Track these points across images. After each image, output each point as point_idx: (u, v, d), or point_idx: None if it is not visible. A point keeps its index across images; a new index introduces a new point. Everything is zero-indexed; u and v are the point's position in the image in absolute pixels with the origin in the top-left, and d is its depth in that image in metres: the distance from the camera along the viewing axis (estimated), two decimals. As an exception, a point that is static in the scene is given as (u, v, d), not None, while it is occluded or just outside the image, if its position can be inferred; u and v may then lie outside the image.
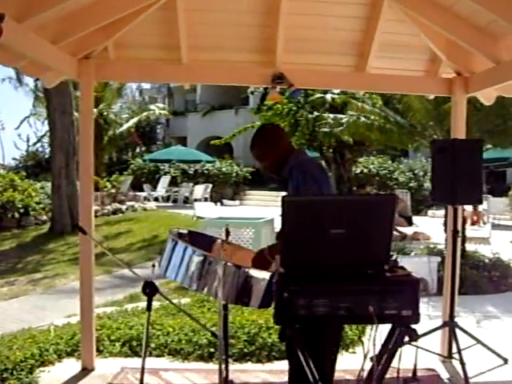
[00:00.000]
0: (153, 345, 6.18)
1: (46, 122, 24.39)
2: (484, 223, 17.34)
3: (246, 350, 5.95)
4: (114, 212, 22.57)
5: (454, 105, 5.92)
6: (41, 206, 21.06)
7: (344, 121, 15.00)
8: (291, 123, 17.76)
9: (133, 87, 46.55)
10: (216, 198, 27.87)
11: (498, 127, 10.67)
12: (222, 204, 26.46)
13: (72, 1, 4.57)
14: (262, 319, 6.28)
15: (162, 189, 29.37)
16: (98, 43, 5.42)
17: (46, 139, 34.64)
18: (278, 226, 3.25)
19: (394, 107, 13.65)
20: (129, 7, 4.97)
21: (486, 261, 10.47)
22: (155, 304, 7.79)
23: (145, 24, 5.30)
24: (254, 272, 3.53)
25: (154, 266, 3.80)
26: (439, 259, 9.09)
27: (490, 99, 5.97)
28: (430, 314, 7.76)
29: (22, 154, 39.91)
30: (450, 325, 5.45)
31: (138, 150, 39.53)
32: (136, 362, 5.77)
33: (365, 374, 3.06)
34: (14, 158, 39.98)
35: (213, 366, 5.65)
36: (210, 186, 28.55)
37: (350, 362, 5.44)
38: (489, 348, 5.42)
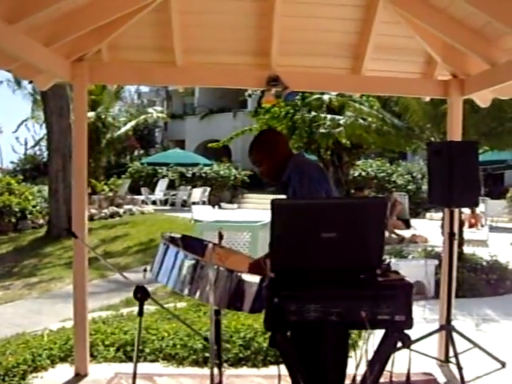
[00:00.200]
0: (147, 350, 6.13)
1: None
2: (482, 226, 17.30)
3: (241, 355, 5.90)
4: (112, 215, 22.52)
5: (449, 107, 5.89)
6: (38, 209, 21.01)
7: (342, 122, 14.97)
8: (288, 126, 17.71)
9: (131, 90, 46.57)
10: (214, 201, 27.80)
11: (494, 130, 10.63)
12: (219, 207, 26.40)
13: (65, 2, 4.52)
14: (257, 324, 6.23)
15: (159, 192, 29.32)
16: (91, 45, 5.37)
17: (43, 142, 34.55)
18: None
19: (391, 110, 13.62)
20: (122, 9, 4.93)
21: (484, 263, 10.44)
22: (151, 308, 7.74)
23: (139, 26, 5.26)
24: (246, 276, 3.49)
25: (145, 270, 3.75)
26: (436, 262, 9.04)
27: (485, 101, 5.94)
28: (426, 317, 7.73)
29: (19, 158, 39.91)
30: (447, 328, 5.41)
31: (136, 153, 39.46)
32: (130, 367, 5.63)
33: (359, 378, 3.02)
34: (12, 162, 39.98)
35: (207, 371, 5.52)
36: (208, 189, 28.50)
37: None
38: (486, 352, 5.38)
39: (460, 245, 10.48)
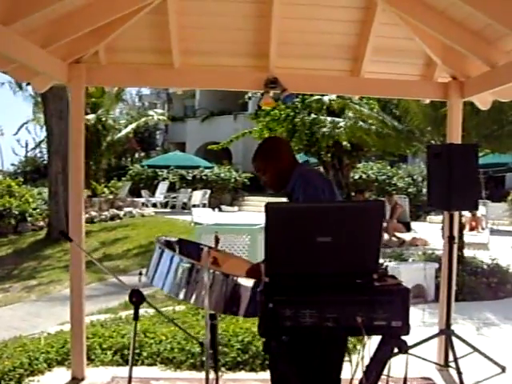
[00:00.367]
0: (145, 353, 6.10)
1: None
2: (483, 228, 17.26)
3: (239, 359, 5.86)
4: (112, 218, 22.49)
5: (449, 109, 5.85)
6: (38, 211, 20.98)
7: (342, 124, 14.94)
8: (289, 128, 17.69)
9: (132, 93, 46.60)
10: (214, 203, 27.76)
11: (495, 132, 10.60)
12: (220, 210, 26.36)
13: (61, 4, 4.49)
14: (255, 327, 6.16)
15: (160, 195, 29.30)
16: (88, 47, 5.34)
17: (44, 145, 34.55)
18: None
19: (391, 112, 13.59)
20: (120, 11, 4.90)
21: (485, 267, 10.39)
22: (150, 311, 7.72)
23: (136, 28, 5.23)
24: (242, 280, 3.45)
25: (140, 273, 3.71)
26: (437, 265, 8.99)
27: (486, 104, 5.90)
28: (426, 321, 7.70)
29: (20, 160, 39.94)
30: (447, 333, 5.37)
31: (136, 155, 39.46)
32: (127, 370, 5.67)
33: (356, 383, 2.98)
34: (13, 164, 40.01)
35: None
36: (209, 191, 28.46)
37: (344, 371, 5.35)
38: (486, 356, 5.35)
39: (460, 248, 10.44)
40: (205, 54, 5.64)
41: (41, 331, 7.15)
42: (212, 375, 3.68)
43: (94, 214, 22.14)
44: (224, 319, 6.21)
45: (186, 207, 27.13)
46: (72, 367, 5.62)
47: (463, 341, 5.39)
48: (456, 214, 5.67)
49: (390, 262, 10.66)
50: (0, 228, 19.72)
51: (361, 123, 13.57)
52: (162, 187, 29.75)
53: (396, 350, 2.81)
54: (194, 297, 3.43)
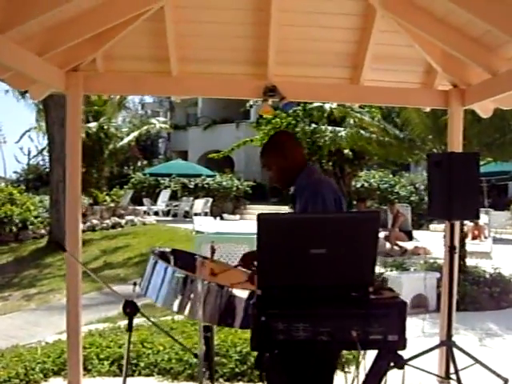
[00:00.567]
0: (142, 364, 6.05)
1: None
2: (485, 237, 17.17)
3: (237, 370, 5.80)
4: (113, 226, 22.47)
5: (450, 117, 5.80)
6: (39, 219, 20.96)
7: (343, 133, 14.91)
8: (290, 137, 17.64)
9: (135, 101, 46.67)
10: (216, 212, 27.70)
11: (497, 140, 10.54)
12: (221, 218, 26.28)
13: (57, 11, 4.44)
14: (254, 338, 6.11)
15: (162, 203, 29.25)
16: (86, 55, 5.30)
17: (46, 153, 34.56)
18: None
19: (392, 120, 13.55)
20: (117, 18, 4.85)
21: (487, 276, 10.31)
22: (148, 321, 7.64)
23: (134, 36, 5.18)
24: (237, 292, 3.38)
25: (135, 284, 3.64)
26: (438, 275, 8.92)
27: (487, 112, 5.84)
28: (426, 331, 7.63)
29: (22, 168, 39.95)
30: (447, 344, 5.29)
31: (139, 163, 39.45)
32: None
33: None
34: (15, 172, 40.01)
35: (203, 386, 5.49)
36: (211, 200, 28.40)
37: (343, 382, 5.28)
38: (488, 368, 5.26)
39: (463, 257, 10.37)
40: (203, 62, 5.60)
41: (38, 341, 7.10)
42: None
43: (95, 222, 22.12)
44: (222, 329, 6.14)
45: (187, 216, 27.07)
46: (68, 378, 5.55)
47: (464, 352, 5.31)
48: (457, 223, 5.61)
49: (391, 271, 10.60)
50: (1, 236, 19.73)
51: (362, 132, 13.53)
52: (164, 195, 29.71)
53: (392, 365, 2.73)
54: (187, 308, 3.37)
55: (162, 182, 31.84)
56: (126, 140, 29.26)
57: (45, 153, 36.16)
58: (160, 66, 5.54)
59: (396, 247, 16.21)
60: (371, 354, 2.79)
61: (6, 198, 20.65)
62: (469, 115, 7.79)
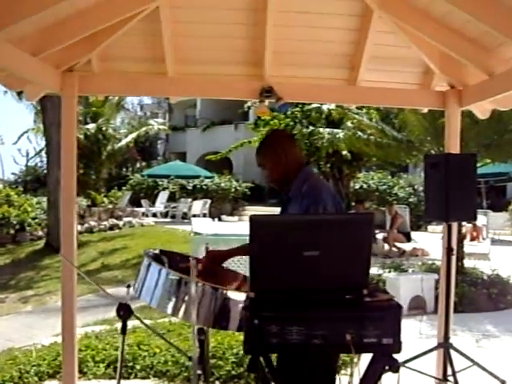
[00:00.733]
0: (138, 366, 6.04)
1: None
2: (483, 239, 17.15)
3: (233, 372, 5.78)
4: (111, 228, 22.44)
5: (447, 118, 5.76)
6: (37, 221, 20.92)
7: (341, 135, 14.88)
8: (288, 138, 17.60)
9: (134, 102, 46.64)
10: (215, 213, 27.67)
11: (494, 141, 10.52)
12: (220, 220, 26.25)
13: (51, 11, 4.40)
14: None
15: (160, 204, 29.23)
16: (81, 55, 5.25)
17: (44, 154, 34.52)
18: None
19: (391, 122, 13.53)
20: (112, 18, 4.80)
21: (485, 277, 10.31)
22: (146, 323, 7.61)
23: (129, 36, 5.14)
24: (232, 294, 3.34)
25: (129, 286, 3.60)
26: (436, 276, 8.90)
27: (485, 113, 5.80)
28: (426, 333, 7.61)
29: (21, 169, 39.91)
30: (445, 346, 5.26)
31: (138, 165, 39.43)
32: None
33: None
34: (13, 173, 39.97)
35: (199, 389, 5.46)
36: (209, 201, 28.38)
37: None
38: (486, 369, 5.24)
39: (460, 258, 10.36)
40: (199, 63, 5.55)
41: (33, 343, 7.06)
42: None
43: (93, 223, 22.09)
44: (219, 332, 6.11)
45: (186, 217, 27.04)
46: (63, 381, 5.50)
47: (462, 354, 5.28)
48: (455, 224, 5.57)
49: (389, 272, 10.58)
50: (-2, 237, 19.70)
51: (360, 133, 13.51)
52: (163, 197, 29.70)
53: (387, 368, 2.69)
54: (182, 311, 3.33)
55: (161, 183, 31.82)
56: (124, 141, 29.25)
57: (43, 154, 36.15)
58: (156, 66, 5.50)
59: (394, 248, 16.21)
60: (366, 358, 2.76)
61: (4, 199, 20.61)
62: (466, 118, 7.77)
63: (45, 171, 33.86)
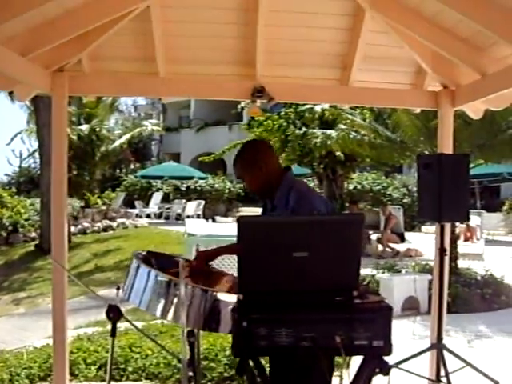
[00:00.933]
0: (130, 368, 6.00)
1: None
2: (477, 239, 17.15)
3: (226, 374, 5.74)
4: (105, 229, 22.38)
5: (440, 119, 5.73)
6: (30, 222, 20.85)
7: (334, 135, 14.86)
8: (282, 139, 17.61)
9: (128, 103, 46.58)
10: (209, 214, 27.60)
11: (487, 142, 10.51)
12: (214, 221, 26.18)
13: (40, 10, 4.36)
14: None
15: (154, 205, 29.17)
16: (71, 55, 5.19)
17: (38, 155, 34.40)
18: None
19: (384, 122, 13.51)
20: (101, 17, 4.75)
21: (479, 278, 10.31)
22: (138, 325, 7.57)
23: (120, 36, 5.09)
24: (222, 295, 3.31)
25: (118, 288, 3.57)
26: (429, 277, 8.89)
27: (477, 113, 5.78)
28: (416, 334, 7.59)
29: (14, 171, 39.80)
30: (438, 347, 5.23)
31: (132, 166, 39.37)
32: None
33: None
34: (7, 174, 39.85)
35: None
36: (203, 202, 28.33)
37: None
38: (479, 370, 5.21)
39: (454, 259, 10.35)
40: (190, 63, 5.51)
41: (24, 346, 7.00)
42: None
43: (86, 225, 22.04)
44: (211, 334, 6.07)
45: (180, 218, 26.97)
46: (54, 383, 5.47)
47: (455, 355, 5.26)
48: (447, 225, 5.55)
49: (383, 273, 10.57)
50: (-9, 239, 19.64)
51: (353, 134, 13.49)
52: (156, 198, 29.65)
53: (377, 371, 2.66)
54: (171, 313, 3.29)
55: (155, 184, 31.78)
56: (118, 142, 29.18)
57: (36, 155, 36.05)
58: (147, 66, 5.45)
59: (388, 249, 16.21)
60: (357, 360, 2.74)
61: (-4, 201, 20.59)
62: (459, 119, 7.76)
63: (38, 172, 33.86)
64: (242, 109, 23.70)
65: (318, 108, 16.53)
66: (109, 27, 4.90)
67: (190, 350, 3.39)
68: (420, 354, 5.43)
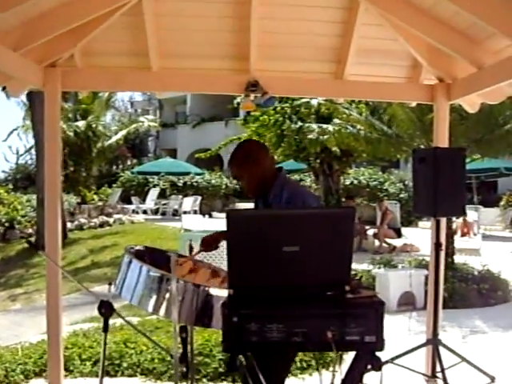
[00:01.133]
0: (125, 364, 5.98)
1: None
2: (474, 234, 17.12)
3: (221, 370, 5.71)
4: (101, 225, 22.34)
5: (436, 112, 5.70)
6: (26, 219, 20.81)
7: (330, 129, 14.83)
8: (278, 134, 17.55)
9: (124, 99, 46.50)
10: (206, 210, 27.58)
11: (484, 137, 10.48)
12: (210, 216, 26.15)
13: (30, 4, 4.31)
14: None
15: (150, 201, 29.10)
16: (63, 50, 5.15)
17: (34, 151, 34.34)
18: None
19: (380, 117, 13.47)
20: (92, 12, 4.71)
21: (475, 273, 10.27)
22: (133, 320, 7.57)
23: (112, 30, 5.05)
24: (214, 291, 3.28)
25: (110, 284, 3.54)
26: (426, 272, 8.86)
27: (473, 106, 5.75)
28: (412, 329, 7.57)
29: (11, 167, 39.72)
30: (433, 342, 5.21)
31: (129, 162, 39.32)
32: (106, 382, 5.54)
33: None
34: (4, 171, 39.78)
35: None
36: (199, 198, 28.27)
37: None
38: (475, 366, 5.20)
39: (451, 254, 10.33)
40: (183, 57, 5.47)
41: (19, 341, 6.98)
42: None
43: (83, 221, 22.00)
44: (206, 329, 6.06)
45: (176, 214, 26.93)
46: (49, 379, 5.44)
47: (451, 350, 5.24)
48: (443, 220, 5.52)
49: (379, 268, 10.54)
50: (-12, 236, 19.61)
51: (350, 128, 13.45)
52: (153, 194, 29.57)
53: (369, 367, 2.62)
54: (163, 308, 3.27)
55: (151, 180, 31.70)
56: (114, 138, 29.14)
57: (33, 152, 35.98)
58: (140, 61, 5.41)
59: (385, 244, 16.20)
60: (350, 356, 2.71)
61: (-7, 197, 20.56)
62: (455, 114, 7.73)
63: (35, 169, 33.79)
64: (238, 104, 23.64)
65: (314, 102, 16.47)
66: (101, 21, 4.87)
67: (183, 345, 3.35)
68: (415, 349, 5.41)
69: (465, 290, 9.43)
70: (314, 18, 5.19)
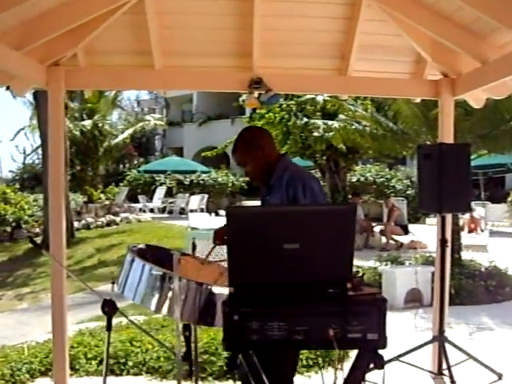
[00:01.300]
0: (130, 363, 5.99)
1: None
2: (482, 230, 17.05)
3: (226, 368, 5.68)
4: (108, 224, 22.35)
5: (440, 108, 5.66)
6: (33, 218, 20.85)
7: (336, 125, 14.79)
8: (283, 131, 17.52)
9: (131, 98, 46.56)
10: (212, 208, 27.55)
11: (490, 132, 10.43)
12: (217, 215, 26.14)
13: (32, 3, 4.31)
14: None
15: (157, 200, 29.12)
16: (66, 49, 5.15)
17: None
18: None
19: (385, 113, 13.42)
20: (94, 11, 4.71)
21: (483, 269, 10.22)
22: (139, 319, 7.57)
23: (115, 29, 5.05)
24: (216, 289, 3.26)
25: (113, 283, 3.53)
26: (433, 269, 8.82)
27: (479, 102, 5.70)
28: (421, 326, 7.54)
29: (18, 167, 39.82)
30: (439, 339, 5.19)
31: (135, 161, 39.36)
32: (112, 381, 5.55)
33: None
34: (11, 171, 39.88)
35: (191, 384, 5.40)
36: (206, 196, 28.26)
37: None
38: (481, 363, 5.17)
39: (457, 250, 10.28)
40: (186, 55, 5.46)
41: (25, 341, 6.99)
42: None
43: (90, 220, 22.02)
44: (211, 327, 6.05)
45: (183, 212, 26.92)
46: (54, 378, 5.44)
47: (457, 347, 5.22)
48: (449, 216, 5.49)
49: (386, 265, 10.51)
50: (-5, 235, 19.65)
51: (355, 125, 13.42)
52: (160, 192, 29.60)
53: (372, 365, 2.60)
54: (165, 307, 3.26)
55: (158, 178, 31.72)
56: (120, 137, 29.21)
57: (40, 151, 36.05)
58: (142, 59, 5.40)
59: (391, 241, 16.15)
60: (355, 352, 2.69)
61: (0, 197, 20.53)
62: (460, 109, 7.68)
63: (42, 168, 33.86)
64: (243, 101, 23.59)
65: (320, 98, 16.43)
66: (102, 21, 4.87)
67: (186, 344, 3.34)
68: (422, 346, 5.38)
69: (472, 287, 9.38)
70: (317, 14, 5.16)
